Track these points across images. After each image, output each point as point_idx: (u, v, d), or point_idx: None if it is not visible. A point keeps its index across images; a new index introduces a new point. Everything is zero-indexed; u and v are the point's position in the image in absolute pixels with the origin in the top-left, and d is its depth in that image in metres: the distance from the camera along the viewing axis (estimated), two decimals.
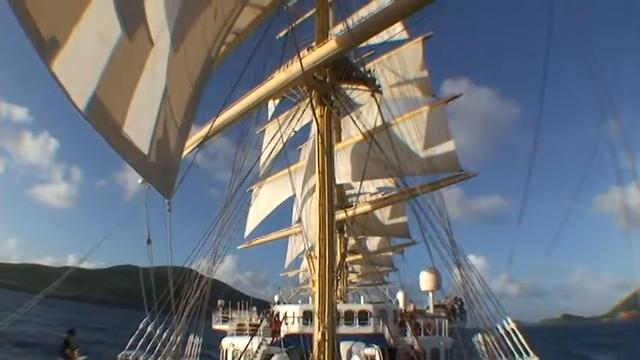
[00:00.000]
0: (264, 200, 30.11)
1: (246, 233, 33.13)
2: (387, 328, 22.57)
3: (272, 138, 18.91)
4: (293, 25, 14.56)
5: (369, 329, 22.68)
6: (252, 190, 24.13)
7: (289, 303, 26.60)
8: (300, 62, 12.99)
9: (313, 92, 16.60)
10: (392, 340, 22.08)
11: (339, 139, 26.83)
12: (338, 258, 18.12)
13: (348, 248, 30.35)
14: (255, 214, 31.86)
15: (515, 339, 15.33)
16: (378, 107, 19.00)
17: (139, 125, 4.17)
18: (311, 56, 13.84)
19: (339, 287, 20.84)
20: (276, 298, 29.84)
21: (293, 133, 18.95)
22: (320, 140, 16.08)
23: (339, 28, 18.34)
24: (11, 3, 2.55)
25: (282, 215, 34.95)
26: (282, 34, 19.11)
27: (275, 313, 25.30)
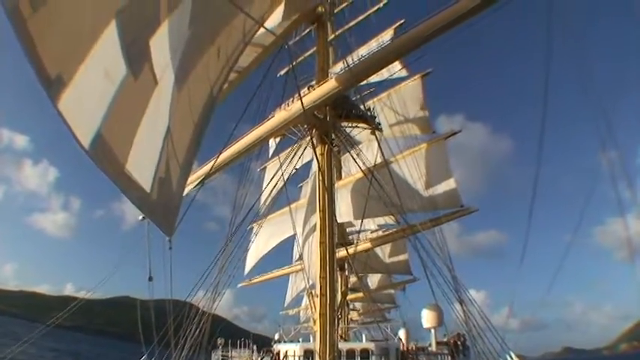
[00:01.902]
0: (265, 238, 29.97)
1: (246, 270, 32.94)
2: None
3: (273, 176, 18.94)
4: (294, 63, 14.76)
5: None
6: (252, 228, 24.03)
7: (290, 341, 26.20)
8: (301, 101, 13.13)
9: (314, 130, 16.71)
10: None
11: (339, 177, 26.87)
12: (339, 296, 17.95)
13: (349, 286, 30.12)
14: (255, 252, 31.67)
15: None
16: (379, 145, 19.09)
17: (142, 163, 4.19)
18: (311, 95, 13.99)
19: (340, 325, 20.58)
20: (276, 336, 29.40)
21: (294, 171, 18.98)
22: (321, 178, 16.12)
23: (339, 67, 18.57)
24: (20, 39, 2.60)
25: (281, 252, 34.74)
26: (283, 72, 19.35)
27: (275, 352, 24.90)
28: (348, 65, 13.05)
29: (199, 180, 14.58)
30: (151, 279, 9.77)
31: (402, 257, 34.48)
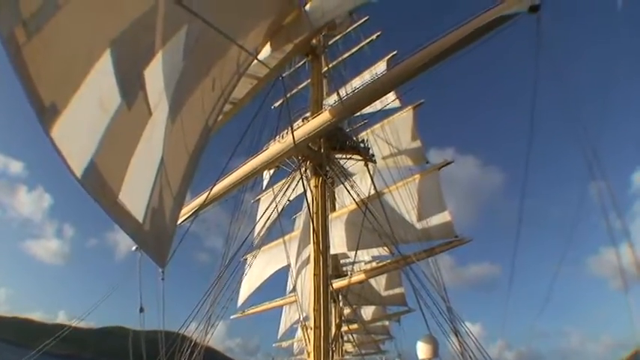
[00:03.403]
0: (258, 269, 29.73)
1: (239, 302, 32.61)
2: None
3: (267, 208, 18.90)
4: (288, 95, 14.86)
5: None
6: (245, 260, 23.89)
7: None
8: (293, 135, 13.20)
9: (308, 163, 16.75)
10: None
11: (333, 208, 26.85)
12: (333, 328, 17.78)
13: (343, 318, 29.85)
14: (249, 284, 31.42)
15: None
16: (371, 177, 19.17)
17: (135, 193, 4.18)
18: (305, 127, 14.06)
19: (335, 358, 20.32)
20: None
21: (287, 203, 18.95)
22: (315, 210, 16.10)
23: (332, 99, 18.72)
24: (15, 66, 2.60)
25: (275, 283, 34.46)
26: (277, 104, 19.48)
27: None
28: (341, 98, 13.16)
29: (192, 212, 14.53)
30: (142, 310, 9.69)
31: (397, 290, 34.32)
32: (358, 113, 16.64)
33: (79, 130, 3.34)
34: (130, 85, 3.91)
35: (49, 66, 3.01)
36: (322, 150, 16.94)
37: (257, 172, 15.86)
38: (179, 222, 13.03)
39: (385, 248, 25.43)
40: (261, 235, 20.44)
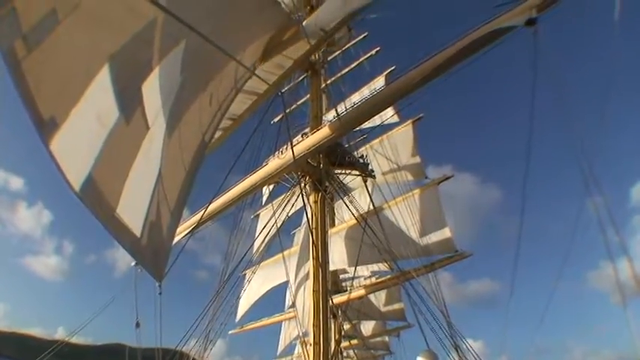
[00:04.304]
0: (257, 285, 29.62)
1: (238, 317, 32.48)
2: None
3: (266, 224, 18.88)
4: (287, 111, 14.92)
5: None
6: (244, 275, 23.82)
7: None
8: (292, 151, 13.23)
9: (307, 178, 16.78)
10: None
11: (332, 224, 26.82)
12: (333, 344, 17.67)
13: (343, 333, 29.68)
14: (247, 299, 31.30)
15: None
16: (369, 194, 19.17)
17: (133, 207, 4.18)
18: (304, 143, 14.09)
19: None
20: None
21: (287, 218, 18.93)
22: (314, 226, 16.09)
23: (332, 114, 18.78)
24: (15, 80, 2.63)
25: (274, 299, 34.34)
26: (276, 119, 19.54)
27: None
28: (338, 115, 13.21)
29: (191, 228, 14.53)
30: (138, 325, 9.64)
31: (396, 305, 34.18)
32: (357, 128, 16.68)
33: (78, 143, 3.36)
34: (128, 100, 3.94)
35: (48, 80, 3.04)
36: (322, 165, 16.97)
37: (256, 188, 15.87)
38: (178, 238, 13.07)
39: (385, 264, 25.39)
40: (260, 250, 20.40)
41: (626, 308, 6.38)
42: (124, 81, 3.89)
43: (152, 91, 4.33)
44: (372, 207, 19.15)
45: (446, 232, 23.81)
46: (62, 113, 3.15)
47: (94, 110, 3.49)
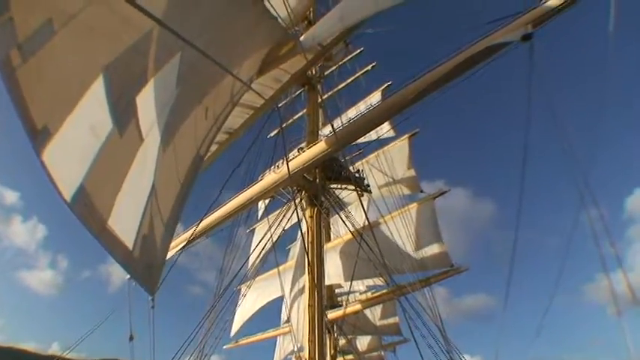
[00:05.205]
0: (252, 299, 29.48)
1: (233, 332, 32.24)
2: None
3: (261, 239, 18.82)
4: (283, 126, 14.94)
5: None
6: (240, 289, 23.70)
7: None
8: (288, 166, 13.24)
9: (303, 193, 16.76)
10: None
11: (328, 238, 26.76)
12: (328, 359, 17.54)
13: (338, 349, 29.49)
14: (242, 313, 31.12)
15: None
16: (364, 209, 19.16)
17: (125, 220, 4.15)
18: (300, 158, 14.09)
19: None
20: None
21: (282, 232, 18.89)
22: (310, 240, 16.04)
23: (328, 129, 18.82)
24: (9, 89, 2.62)
25: (270, 314, 34.12)
26: (272, 134, 19.56)
27: None
28: (334, 130, 13.24)
29: (186, 242, 14.48)
30: (131, 338, 9.57)
31: (391, 320, 33.99)
32: (353, 143, 16.72)
33: (70, 153, 3.35)
34: (123, 111, 3.93)
35: (42, 89, 3.04)
36: (317, 180, 16.96)
37: (252, 203, 15.85)
38: (172, 253, 13.00)
39: (381, 278, 25.30)
40: (255, 265, 20.32)
41: (620, 319, 6.39)
42: (118, 92, 3.88)
43: (147, 103, 4.32)
44: (367, 222, 19.14)
45: (441, 246, 23.82)
46: (55, 123, 3.14)
47: (87, 120, 3.48)
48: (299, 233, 20.85)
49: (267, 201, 20.91)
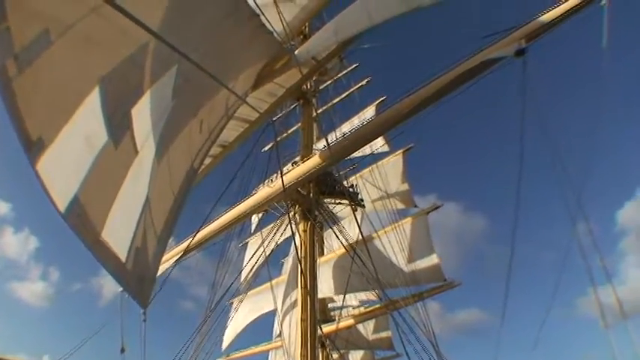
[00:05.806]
0: (243, 313, 29.29)
1: (224, 346, 31.99)
2: None
3: (254, 253, 18.76)
4: (278, 139, 14.96)
5: None
6: (232, 303, 23.56)
7: None
8: (282, 180, 13.24)
9: (297, 207, 16.75)
10: None
11: (321, 252, 26.69)
12: None
13: None
14: (234, 327, 30.92)
15: None
16: (358, 224, 19.15)
17: (118, 232, 4.14)
18: (294, 172, 14.10)
19: None
20: None
21: (276, 246, 18.83)
22: (303, 255, 15.99)
23: (322, 143, 18.86)
24: (4, 99, 2.62)
25: (262, 328, 33.90)
26: (267, 147, 19.58)
27: None
28: (328, 144, 13.26)
29: (178, 256, 14.42)
30: (123, 351, 9.53)
31: (384, 334, 33.83)
32: (348, 157, 16.75)
33: (65, 164, 3.34)
34: (118, 123, 3.93)
35: (38, 100, 3.04)
36: (311, 195, 16.96)
37: (245, 217, 15.83)
38: (164, 267, 12.94)
39: (373, 293, 25.18)
40: (247, 279, 20.22)
41: (608, 331, 6.45)
42: (114, 104, 3.89)
43: (142, 115, 4.32)
44: (361, 237, 19.12)
45: (434, 259, 23.79)
46: (51, 134, 3.14)
47: (83, 132, 3.48)
48: (292, 247, 20.82)
49: (260, 215, 20.86)
